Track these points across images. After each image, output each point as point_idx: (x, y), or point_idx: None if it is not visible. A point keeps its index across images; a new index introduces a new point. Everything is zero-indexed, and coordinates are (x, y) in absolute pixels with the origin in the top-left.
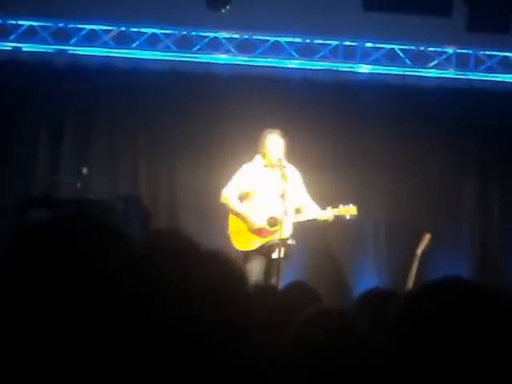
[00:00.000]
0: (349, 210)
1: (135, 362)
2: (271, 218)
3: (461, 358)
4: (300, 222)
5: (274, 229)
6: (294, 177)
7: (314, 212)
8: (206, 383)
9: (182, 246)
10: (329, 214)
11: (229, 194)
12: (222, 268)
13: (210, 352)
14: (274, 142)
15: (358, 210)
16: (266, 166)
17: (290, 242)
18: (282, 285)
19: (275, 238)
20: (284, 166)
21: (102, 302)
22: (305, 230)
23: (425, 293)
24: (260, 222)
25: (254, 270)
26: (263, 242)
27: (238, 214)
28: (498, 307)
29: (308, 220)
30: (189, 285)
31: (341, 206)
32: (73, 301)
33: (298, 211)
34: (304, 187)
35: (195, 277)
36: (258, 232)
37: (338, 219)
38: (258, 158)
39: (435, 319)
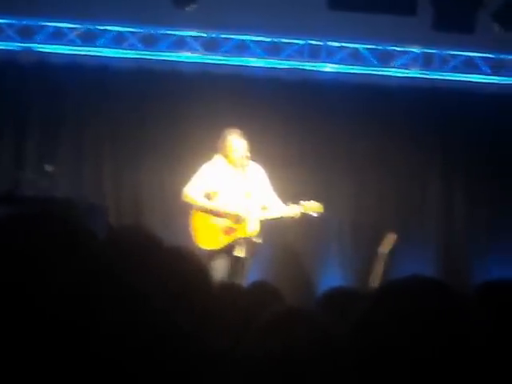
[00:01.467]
0: (315, 207)
1: (91, 360)
2: (236, 215)
3: (424, 355)
4: (267, 220)
5: (239, 227)
6: (259, 175)
7: (280, 210)
8: (166, 382)
9: (145, 242)
10: (294, 211)
11: (191, 193)
12: (186, 265)
13: (169, 352)
14: (235, 142)
15: (324, 209)
16: (228, 166)
17: (255, 240)
18: (246, 283)
19: (240, 236)
20: (247, 165)
21: (62, 299)
22: (270, 228)
23: (390, 292)
24: (233, 210)
25: (219, 269)
26: (228, 241)
27: (207, 210)
28: (462, 306)
29: (274, 218)
30: (151, 281)
31: (307, 203)
32: (30, 300)
33: (263, 209)
34: (269, 185)
35: (158, 273)
36: (224, 230)
37: (304, 216)
38: (218, 157)
39: (399, 318)
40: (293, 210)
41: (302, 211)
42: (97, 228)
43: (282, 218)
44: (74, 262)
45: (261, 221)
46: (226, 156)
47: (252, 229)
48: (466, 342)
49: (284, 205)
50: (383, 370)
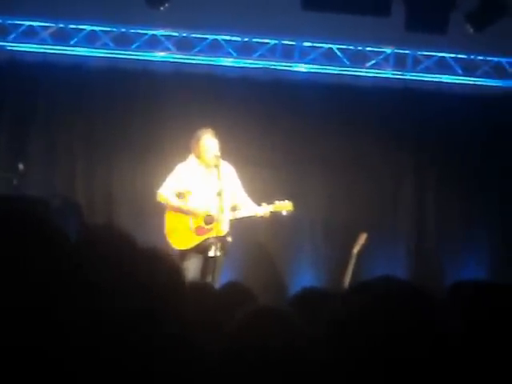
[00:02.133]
0: (285, 206)
1: (63, 361)
2: (208, 215)
3: (395, 354)
4: (237, 219)
5: (211, 227)
6: (230, 174)
7: (250, 209)
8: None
9: (118, 242)
10: (265, 210)
11: (165, 193)
12: (157, 265)
13: (141, 351)
14: (208, 142)
15: (296, 208)
16: (200, 166)
17: (227, 239)
18: (218, 283)
19: (212, 235)
20: (219, 165)
21: (33, 299)
22: (242, 228)
23: (360, 293)
24: (203, 210)
25: (191, 268)
26: (200, 241)
27: (179, 210)
28: (432, 306)
29: (244, 217)
30: (124, 281)
31: (277, 201)
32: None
33: (234, 208)
34: (240, 184)
35: (130, 273)
36: (195, 230)
37: (275, 215)
38: (191, 157)
39: (370, 319)
40: (262, 210)
41: (272, 210)
42: (70, 227)
43: (251, 217)
44: (46, 262)
45: (231, 220)
46: (198, 156)
47: (223, 228)
48: (436, 341)
49: (254, 204)
50: (355, 368)
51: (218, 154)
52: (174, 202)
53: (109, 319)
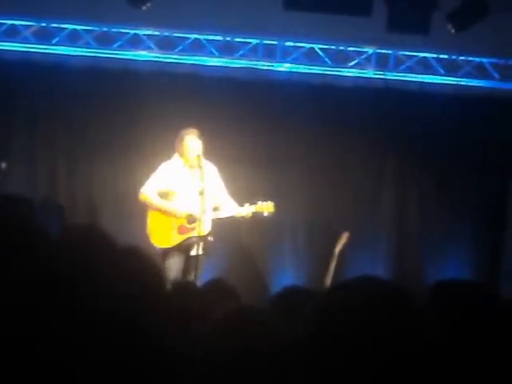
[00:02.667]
0: (266, 207)
1: (40, 362)
2: (189, 215)
3: (375, 355)
4: (219, 219)
5: (193, 226)
6: (213, 174)
7: (232, 209)
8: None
9: (98, 242)
10: (246, 210)
11: (147, 192)
12: (138, 264)
13: (122, 350)
14: (192, 143)
15: (277, 208)
16: (184, 165)
17: (208, 238)
18: (200, 282)
19: (194, 235)
20: (202, 165)
21: (13, 296)
22: (224, 227)
23: (342, 292)
24: (184, 210)
25: (173, 267)
26: (181, 240)
27: (160, 209)
28: (412, 305)
29: (226, 217)
30: (105, 281)
31: (259, 202)
32: None
33: (216, 209)
34: (222, 184)
35: (110, 272)
36: (177, 229)
37: (256, 216)
38: (176, 157)
39: (351, 318)
40: (244, 210)
41: (254, 211)
42: (51, 226)
43: (233, 217)
44: (26, 262)
45: (213, 220)
46: (182, 155)
47: (205, 228)
48: (417, 340)
49: (236, 204)
50: (335, 368)
51: (200, 154)
52: (156, 201)
53: (89, 319)
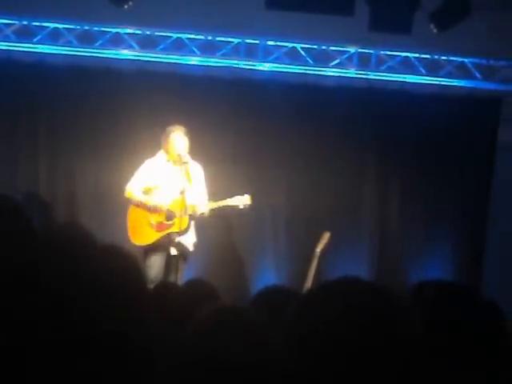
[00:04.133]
0: (242, 199)
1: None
2: (169, 211)
3: (355, 356)
4: (196, 216)
5: (172, 222)
6: (197, 174)
7: (202, 207)
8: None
9: (77, 239)
10: (223, 203)
11: (132, 188)
12: (117, 262)
13: (101, 351)
14: (178, 140)
15: (258, 206)
16: (168, 162)
17: (186, 245)
18: (181, 281)
19: (173, 231)
20: (186, 163)
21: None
22: (204, 227)
23: (323, 293)
24: (165, 203)
25: (153, 266)
26: (160, 236)
27: (142, 205)
28: (394, 306)
29: (200, 214)
30: (81, 278)
31: (235, 196)
32: None
33: (193, 206)
34: (204, 185)
35: (88, 271)
36: (156, 226)
37: (233, 210)
38: (160, 153)
39: (332, 319)
40: (221, 203)
41: (230, 204)
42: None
43: (211, 210)
44: (2, 259)
45: (191, 216)
46: (167, 152)
47: (183, 225)
48: (398, 341)
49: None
50: (315, 370)
51: (183, 152)
52: (139, 197)
53: (67, 319)
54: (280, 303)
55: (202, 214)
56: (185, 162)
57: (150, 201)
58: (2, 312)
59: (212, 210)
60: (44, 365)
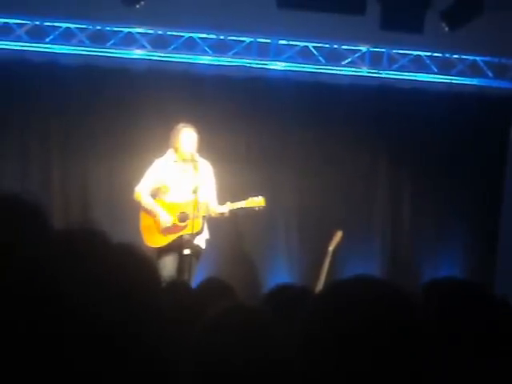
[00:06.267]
0: (257, 202)
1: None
2: (182, 213)
3: (370, 356)
4: (210, 217)
5: (185, 224)
6: (206, 172)
7: (216, 207)
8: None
9: (91, 239)
10: (225, 209)
11: (141, 191)
12: (133, 262)
13: (118, 352)
14: (188, 137)
15: (270, 205)
16: (178, 161)
17: (199, 244)
18: (194, 281)
19: (186, 232)
20: (196, 161)
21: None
22: (216, 226)
23: (337, 291)
24: (168, 221)
25: (166, 267)
26: (173, 238)
27: (148, 212)
28: (407, 305)
29: (216, 214)
30: (96, 278)
31: (250, 198)
32: None
33: (206, 206)
34: (214, 183)
35: (103, 270)
36: (168, 229)
37: (248, 211)
38: (170, 152)
39: (347, 318)
40: (223, 208)
41: (245, 206)
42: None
43: (219, 214)
44: (16, 261)
45: (204, 217)
46: (176, 150)
47: (197, 226)
48: (412, 340)
49: (219, 205)
50: (328, 369)
51: (194, 151)
52: (146, 202)
53: (82, 319)
54: (292, 301)
55: (223, 214)
56: (195, 161)
57: (156, 211)
58: (17, 312)
59: (230, 211)
60: (57, 366)
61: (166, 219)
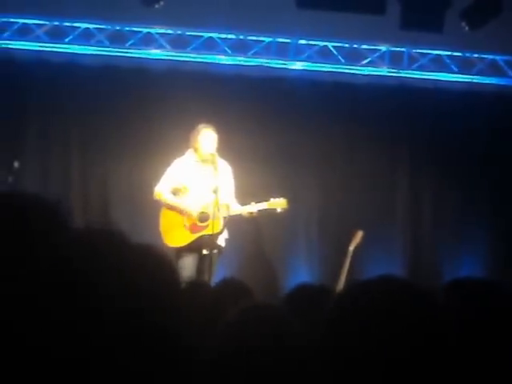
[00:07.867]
0: (279, 203)
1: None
2: (202, 212)
3: (393, 356)
4: (230, 217)
5: (205, 224)
6: (226, 172)
7: (238, 208)
8: (130, 382)
9: (112, 240)
10: (258, 207)
11: (161, 190)
12: (153, 263)
13: (138, 350)
14: (208, 137)
15: (291, 205)
16: (197, 161)
17: (220, 243)
18: (214, 281)
19: (206, 233)
20: (215, 162)
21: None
22: (237, 226)
23: (360, 292)
24: (196, 209)
25: (186, 267)
26: (194, 238)
27: (172, 207)
28: (430, 305)
29: (238, 214)
30: (119, 278)
31: (272, 199)
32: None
33: (226, 206)
34: (233, 184)
35: (126, 271)
36: (190, 228)
37: (269, 212)
38: (189, 152)
39: (370, 318)
40: (255, 207)
41: (267, 207)
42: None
43: (243, 214)
44: (39, 261)
45: (225, 218)
46: (196, 150)
47: (218, 226)
48: (436, 340)
49: (239, 206)
50: (350, 369)
51: (214, 151)
52: (169, 199)
53: (105, 319)
54: (313, 301)
55: (251, 213)
56: (215, 161)
57: (181, 205)
58: (41, 312)
59: (253, 213)
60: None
61: (194, 208)
